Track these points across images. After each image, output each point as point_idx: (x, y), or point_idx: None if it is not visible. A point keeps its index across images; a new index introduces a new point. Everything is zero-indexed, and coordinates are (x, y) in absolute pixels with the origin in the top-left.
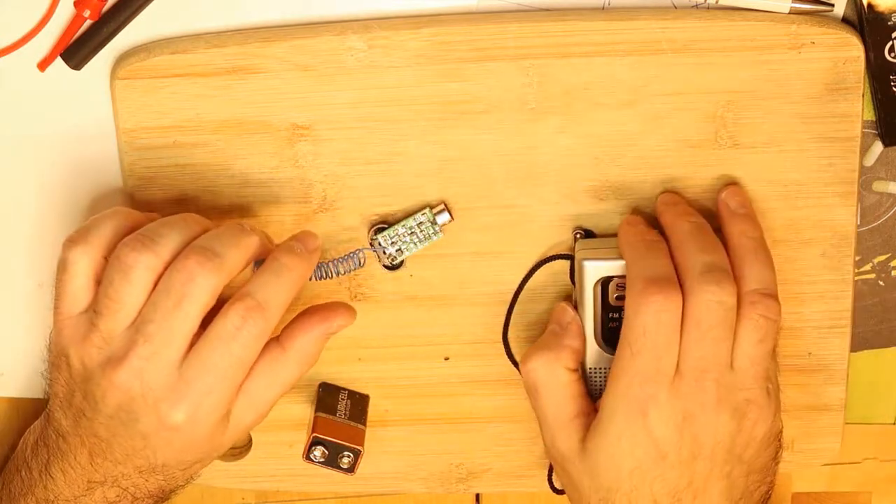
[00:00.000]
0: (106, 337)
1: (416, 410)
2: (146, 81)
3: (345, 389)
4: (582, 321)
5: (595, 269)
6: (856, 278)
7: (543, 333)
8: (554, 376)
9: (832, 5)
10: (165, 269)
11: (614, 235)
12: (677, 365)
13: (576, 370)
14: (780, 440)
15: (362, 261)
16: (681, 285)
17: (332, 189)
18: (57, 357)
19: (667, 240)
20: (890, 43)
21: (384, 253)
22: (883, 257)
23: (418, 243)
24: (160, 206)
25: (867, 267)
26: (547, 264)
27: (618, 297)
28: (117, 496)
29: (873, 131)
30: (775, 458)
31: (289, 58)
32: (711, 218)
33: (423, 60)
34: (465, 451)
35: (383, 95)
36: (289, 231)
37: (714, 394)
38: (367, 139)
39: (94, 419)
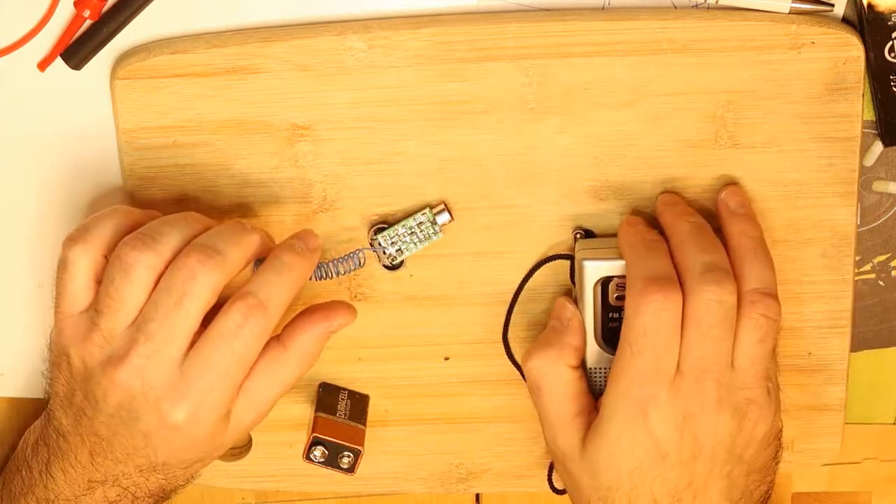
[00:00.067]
0: (107, 336)
1: (416, 410)
2: (146, 81)
3: (345, 389)
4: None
5: (595, 269)
6: (856, 278)
7: (544, 330)
8: (556, 374)
9: (832, 5)
10: (166, 267)
11: (614, 235)
12: (678, 365)
13: (578, 367)
14: (780, 440)
15: (362, 261)
16: (681, 285)
17: (332, 189)
18: (57, 356)
19: (667, 240)
20: (890, 43)
21: (384, 253)
22: (883, 257)
23: (418, 243)
24: (160, 206)
25: (867, 267)
26: (547, 264)
27: (618, 297)
28: (118, 495)
29: (873, 131)
30: (775, 458)
31: (289, 58)
32: (711, 218)
33: (423, 60)
34: (465, 451)
35: (383, 95)
36: (289, 231)
37: (714, 393)
38: (367, 139)
39: (95, 418)
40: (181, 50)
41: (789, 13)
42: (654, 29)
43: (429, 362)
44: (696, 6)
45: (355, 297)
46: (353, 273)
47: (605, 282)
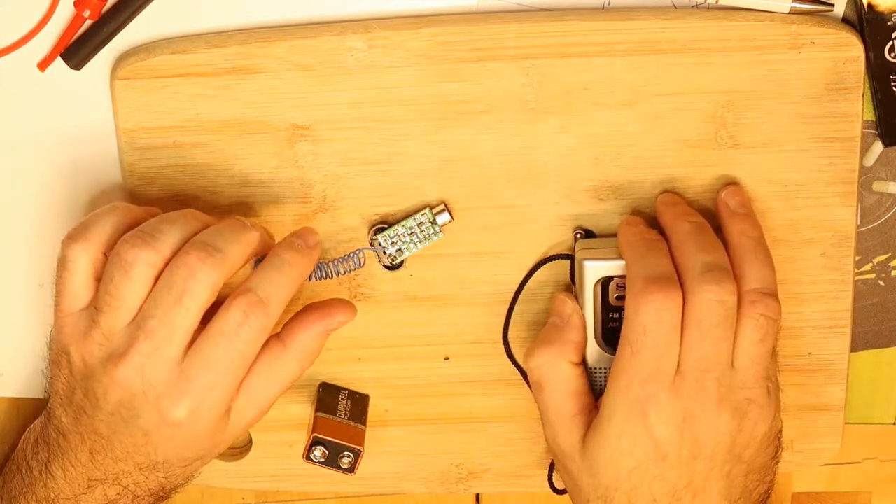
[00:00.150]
0: (107, 334)
1: (416, 410)
2: (146, 81)
3: (345, 389)
4: None
5: (595, 269)
6: (856, 278)
7: (545, 326)
8: (558, 371)
9: (832, 5)
10: (166, 265)
11: (614, 235)
12: (678, 365)
13: (579, 364)
14: (779, 440)
15: (362, 261)
16: (681, 285)
17: (332, 189)
18: (58, 354)
19: (667, 240)
20: (890, 43)
21: (384, 253)
22: (883, 257)
23: (418, 243)
24: (161, 205)
25: (867, 267)
26: (547, 264)
27: (618, 297)
28: (118, 494)
29: (873, 131)
30: (775, 458)
31: (289, 58)
32: (711, 218)
33: (423, 60)
34: (465, 451)
35: (383, 95)
36: (289, 231)
37: (715, 393)
38: (367, 139)
39: (95, 416)
40: (181, 50)
41: (789, 13)
42: (654, 29)
43: (429, 362)
44: (696, 6)
45: (355, 297)
46: (353, 273)
47: (605, 282)
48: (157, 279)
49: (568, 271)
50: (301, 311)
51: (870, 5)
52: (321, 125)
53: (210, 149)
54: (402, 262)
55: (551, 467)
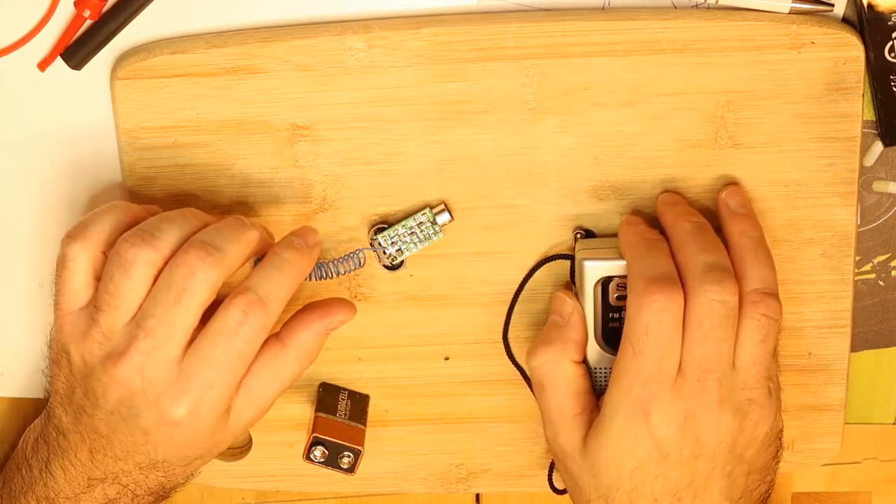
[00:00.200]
0: (106, 332)
1: (416, 410)
2: (146, 81)
3: (345, 389)
4: None
5: (595, 269)
6: (856, 278)
7: (545, 325)
8: (560, 370)
9: (832, 5)
10: (165, 264)
11: (615, 235)
12: (679, 365)
13: (581, 362)
14: (780, 440)
15: (362, 261)
16: (682, 285)
17: (332, 189)
18: (57, 353)
19: (667, 239)
20: (890, 43)
21: (384, 253)
22: (883, 257)
23: (418, 243)
24: (160, 205)
25: (867, 267)
26: (547, 264)
27: (618, 297)
28: (117, 493)
29: (873, 131)
30: (775, 458)
31: (289, 58)
32: (711, 217)
33: (423, 60)
34: (465, 451)
35: (383, 95)
36: (289, 231)
37: (716, 394)
38: (367, 139)
39: (95, 415)
40: (181, 50)
41: (789, 13)
42: (654, 29)
43: (429, 362)
44: (696, 6)
45: (355, 297)
46: (353, 273)
47: (605, 282)
48: (156, 278)
49: (568, 271)
50: (300, 311)
51: (870, 5)
52: (321, 125)
53: (210, 149)
54: (402, 262)
55: (551, 467)
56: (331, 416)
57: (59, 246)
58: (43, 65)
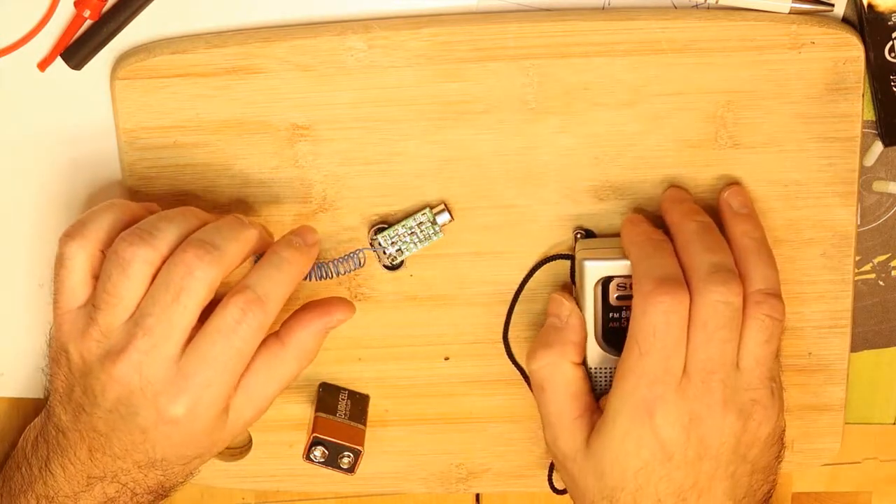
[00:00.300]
0: (104, 331)
1: (416, 410)
2: (146, 81)
3: (345, 389)
4: None
5: (595, 269)
6: (856, 278)
7: (543, 327)
8: (560, 373)
9: (832, 5)
10: (164, 262)
11: (615, 235)
12: (684, 366)
13: (580, 364)
14: (783, 440)
15: (362, 261)
16: (687, 285)
17: (332, 189)
18: (57, 352)
19: (671, 238)
20: (890, 43)
21: (384, 253)
22: (883, 257)
23: (418, 243)
24: (160, 205)
25: (867, 267)
26: (547, 264)
27: (618, 297)
28: (117, 492)
29: (873, 131)
30: (778, 458)
31: (289, 58)
32: (712, 216)
33: (424, 60)
34: (465, 451)
35: (383, 95)
36: (289, 231)
37: (720, 395)
38: (367, 139)
39: (94, 414)
40: (181, 50)
41: (789, 13)
42: (654, 29)
43: (429, 362)
44: (696, 6)
45: (355, 297)
46: (353, 273)
47: (605, 282)
48: (154, 277)
49: (568, 271)
50: (300, 310)
51: (870, 5)
52: (321, 125)
53: (210, 149)
54: (402, 262)
55: (551, 467)
56: (331, 416)
57: (58, 245)
58: (43, 65)
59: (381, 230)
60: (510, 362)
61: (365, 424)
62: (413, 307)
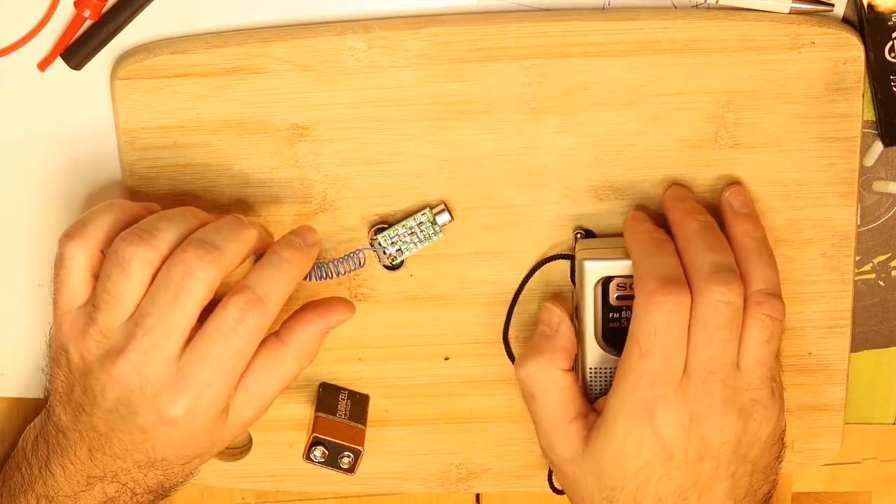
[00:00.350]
0: (104, 331)
1: (416, 410)
2: (146, 81)
3: (345, 389)
4: (582, 321)
5: (595, 269)
6: (856, 278)
7: (534, 336)
8: (550, 379)
9: (832, 5)
10: (163, 262)
11: (615, 235)
12: (684, 365)
13: (570, 371)
14: (783, 440)
15: (362, 261)
16: (688, 284)
17: (332, 189)
18: (56, 352)
19: (672, 236)
20: (890, 43)
21: (384, 253)
22: (883, 257)
23: (418, 243)
24: (161, 205)
25: (867, 267)
26: (547, 264)
27: (618, 297)
28: (116, 492)
29: (873, 131)
30: (779, 458)
31: (289, 58)
32: (713, 216)
33: (424, 60)
34: (465, 451)
35: (383, 95)
36: (289, 231)
37: (721, 395)
38: (367, 139)
39: (94, 413)
40: (181, 50)
41: (789, 13)
42: (654, 29)
43: (429, 362)
44: (696, 6)
45: (355, 297)
46: (353, 273)
47: (605, 282)
48: (154, 277)
49: (568, 271)
50: (299, 310)
51: (870, 5)
52: (321, 125)
53: (210, 149)
54: (402, 262)
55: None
56: (331, 416)
57: (57, 245)
58: (43, 65)
59: (381, 230)
60: (510, 362)
61: (365, 424)
62: (413, 307)
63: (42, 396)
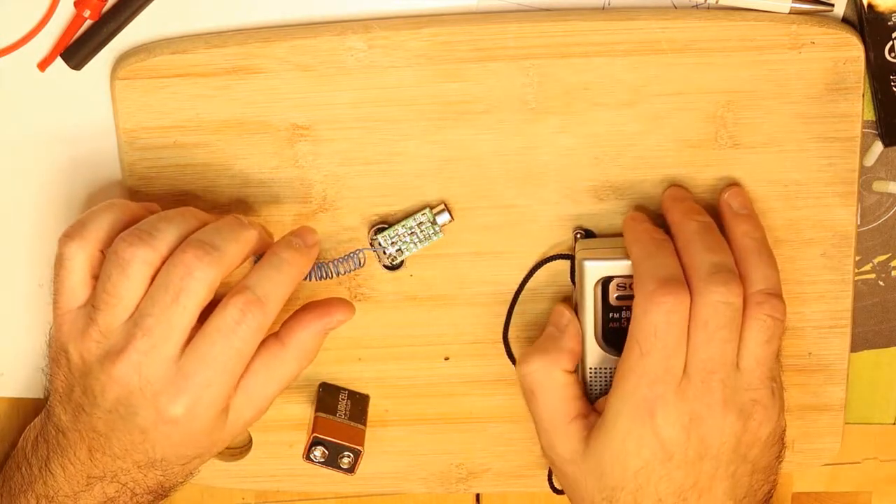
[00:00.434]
0: (104, 331)
1: (416, 410)
2: (146, 81)
3: (345, 389)
4: (582, 321)
5: (595, 269)
6: (856, 278)
7: (541, 336)
8: (551, 379)
9: (832, 5)
10: (163, 263)
11: (615, 235)
12: (684, 366)
13: (573, 372)
14: (783, 440)
15: (362, 261)
16: (687, 284)
17: (332, 189)
18: (56, 352)
19: (672, 237)
20: (890, 43)
21: (384, 253)
22: (883, 257)
23: (418, 243)
24: (161, 205)
25: (867, 267)
26: (547, 264)
27: (618, 297)
28: (116, 492)
29: (873, 131)
30: (779, 458)
31: (289, 58)
32: (712, 216)
33: (424, 60)
34: (465, 451)
35: (383, 95)
36: (289, 231)
37: (720, 395)
38: (367, 139)
39: (93, 414)
40: (181, 50)
41: (789, 13)
42: (654, 29)
43: (429, 362)
44: (696, 6)
45: (355, 297)
46: (353, 273)
47: (605, 282)
48: (154, 277)
49: (568, 271)
50: (299, 310)
51: (870, 5)
52: (321, 125)
53: (210, 149)
54: (402, 262)
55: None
56: (331, 416)
57: (57, 245)
58: (43, 65)
59: (381, 230)
60: (510, 362)
61: (365, 424)
62: (413, 307)
63: (42, 396)
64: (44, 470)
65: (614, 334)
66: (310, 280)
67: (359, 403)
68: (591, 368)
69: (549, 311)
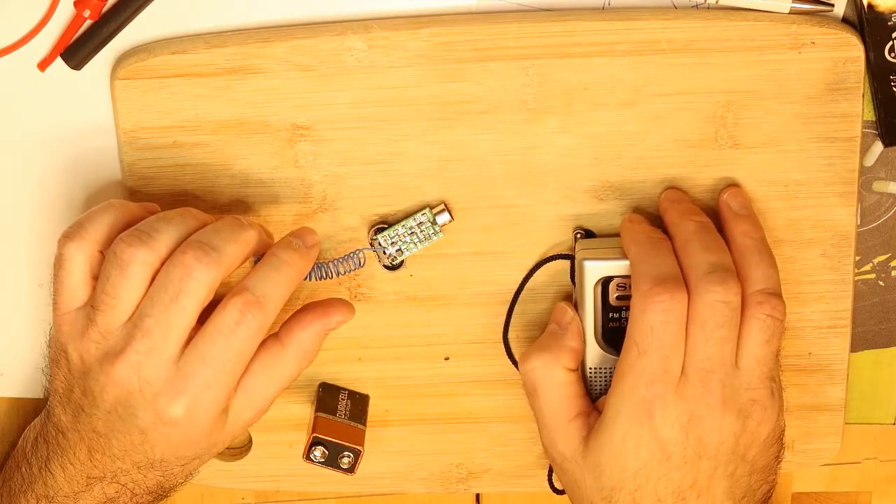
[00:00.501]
0: (104, 332)
1: (416, 410)
2: (146, 81)
3: (345, 389)
4: (582, 321)
5: (595, 269)
6: (856, 278)
7: (543, 333)
8: (553, 376)
9: (832, 5)
10: (163, 264)
11: (614, 235)
12: (682, 365)
13: (575, 370)
14: (782, 440)
15: (362, 261)
16: (685, 285)
17: (332, 189)
18: (56, 353)
19: (670, 238)
20: (890, 43)
21: (384, 253)
22: (883, 257)
23: (418, 243)
24: (160, 205)
25: (867, 267)
26: (547, 264)
27: (618, 297)
28: (116, 492)
29: (873, 131)
30: (778, 458)
31: (289, 58)
32: (711, 217)
33: (424, 60)
34: (465, 451)
35: (383, 95)
36: (289, 231)
37: (719, 394)
38: (367, 139)
39: (93, 414)
40: (181, 50)
41: (789, 13)
42: (654, 29)
43: (429, 362)
44: (696, 6)
45: (355, 297)
46: (353, 273)
47: (605, 282)
48: (153, 278)
49: (568, 271)
50: (299, 311)
51: (870, 5)
52: (321, 125)
53: (210, 149)
54: (402, 262)
55: (551, 467)
56: (331, 416)
57: (57, 245)
58: (43, 65)
59: (381, 230)
60: (510, 362)
61: (365, 424)
62: (413, 307)
63: (42, 396)
64: (44, 470)
65: (614, 334)
66: (310, 280)
67: (359, 403)
68: (591, 368)
69: (549, 311)
